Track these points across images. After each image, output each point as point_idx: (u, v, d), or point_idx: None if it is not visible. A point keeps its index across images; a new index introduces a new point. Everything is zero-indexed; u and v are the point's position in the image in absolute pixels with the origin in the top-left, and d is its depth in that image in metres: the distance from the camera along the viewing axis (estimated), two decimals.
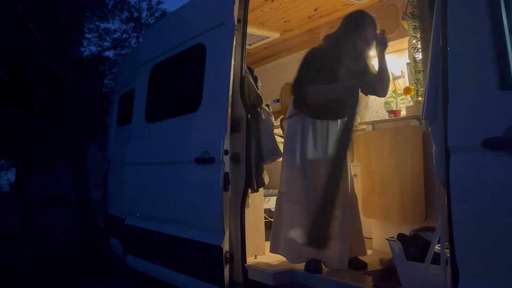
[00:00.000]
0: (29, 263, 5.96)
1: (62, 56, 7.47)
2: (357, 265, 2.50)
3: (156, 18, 9.37)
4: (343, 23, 2.61)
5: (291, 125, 2.63)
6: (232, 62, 2.53)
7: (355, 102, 2.57)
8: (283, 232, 2.56)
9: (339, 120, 2.58)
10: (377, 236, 2.90)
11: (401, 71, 3.62)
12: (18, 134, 7.92)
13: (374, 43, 2.55)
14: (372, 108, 3.90)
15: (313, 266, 2.43)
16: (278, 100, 4.87)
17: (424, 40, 2.76)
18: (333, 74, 2.49)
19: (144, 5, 9.55)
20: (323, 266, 2.46)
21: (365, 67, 2.61)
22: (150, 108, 3.41)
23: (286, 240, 2.53)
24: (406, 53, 3.37)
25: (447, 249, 1.66)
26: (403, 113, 3.15)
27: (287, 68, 4.74)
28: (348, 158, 2.62)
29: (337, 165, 2.47)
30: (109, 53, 10.00)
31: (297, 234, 2.48)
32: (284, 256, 2.58)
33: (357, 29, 2.52)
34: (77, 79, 7.96)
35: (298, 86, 2.53)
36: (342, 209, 2.53)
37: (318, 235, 2.37)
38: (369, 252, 2.83)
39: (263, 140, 2.63)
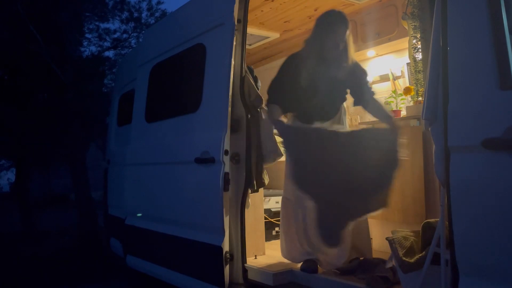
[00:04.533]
0: (29, 263, 5.96)
1: (62, 56, 7.47)
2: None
3: (156, 18, 9.38)
4: (315, 25, 2.55)
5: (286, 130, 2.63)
6: (232, 62, 2.53)
7: (340, 104, 2.63)
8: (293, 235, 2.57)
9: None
10: (377, 236, 2.90)
11: (401, 71, 3.63)
12: (18, 134, 7.92)
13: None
14: None
15: (309, 265, 2.44)
16: None
17: (424, 40, 2.76)
18: (306, 79, 2.47)
19: (144, 5, 9.57)
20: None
21: (338, 69, 2.51)
22: (150, 108, 3.41)
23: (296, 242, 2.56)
24: (406, 53, 3.37)
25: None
26: (403, 113, 3.15)
27: None
28: None
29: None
30: (109, 53, 10.02)
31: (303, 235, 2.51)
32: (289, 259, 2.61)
33: (326, 30, 2.46)
34: (77, 79, 7.95)
35: (268, 97, 2.55)
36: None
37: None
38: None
39: (263, 140, 2.63)
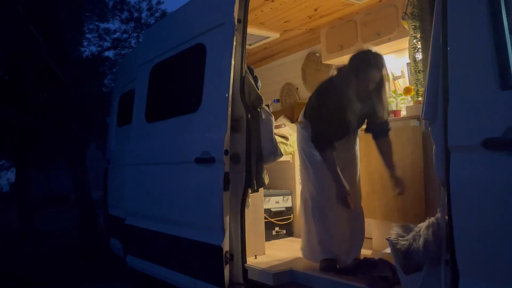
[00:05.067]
0: (29, 264, 5.96)
1: (62, 56, 7.46)
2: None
3: (156, 18, 9.39)
4: (349, 61, 2.52)
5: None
6: (232, 62, 2.53)
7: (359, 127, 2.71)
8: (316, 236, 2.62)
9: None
10: (377, 236, 2.90)
11: (401, 71, 3.63)
12: (18, 134, 7.92)
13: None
14: None
15: (328, 264, 2.48)
16: (278, 100, 4.88)
17: (424, 40, 2.76)
18: (340, 107, 2.47)
19: (144, 5, 9.58)
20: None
21: (370, 107, 2.53)
22: (150, 108, 3.41)
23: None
24: (406, 53, 3.37)
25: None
26: (403, 113, 3.15)
27: (287, 68, 4.75)
28: (358, 158, 2.72)
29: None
30: (109, 53, 10.03)
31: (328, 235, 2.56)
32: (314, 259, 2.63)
33: (359, 72, 2.43)
34: (77, 79, 7.95)
35: (321, 144, 2.52)
36: (354, 207, 2.59)
37: None
38: (369, 252, 2.83)
39: (263, 140, 2.64)
